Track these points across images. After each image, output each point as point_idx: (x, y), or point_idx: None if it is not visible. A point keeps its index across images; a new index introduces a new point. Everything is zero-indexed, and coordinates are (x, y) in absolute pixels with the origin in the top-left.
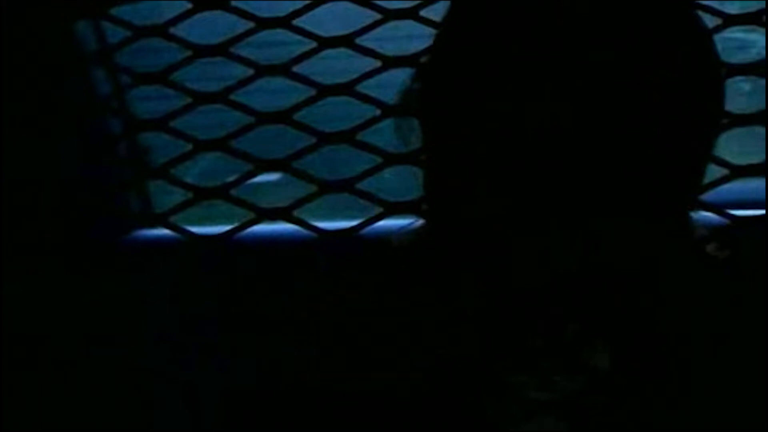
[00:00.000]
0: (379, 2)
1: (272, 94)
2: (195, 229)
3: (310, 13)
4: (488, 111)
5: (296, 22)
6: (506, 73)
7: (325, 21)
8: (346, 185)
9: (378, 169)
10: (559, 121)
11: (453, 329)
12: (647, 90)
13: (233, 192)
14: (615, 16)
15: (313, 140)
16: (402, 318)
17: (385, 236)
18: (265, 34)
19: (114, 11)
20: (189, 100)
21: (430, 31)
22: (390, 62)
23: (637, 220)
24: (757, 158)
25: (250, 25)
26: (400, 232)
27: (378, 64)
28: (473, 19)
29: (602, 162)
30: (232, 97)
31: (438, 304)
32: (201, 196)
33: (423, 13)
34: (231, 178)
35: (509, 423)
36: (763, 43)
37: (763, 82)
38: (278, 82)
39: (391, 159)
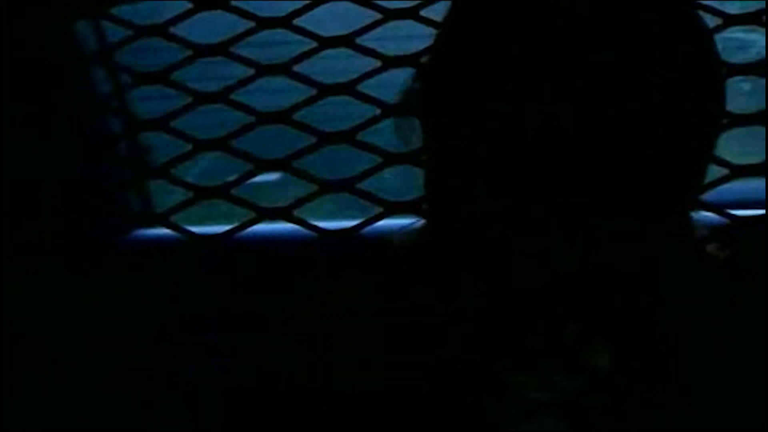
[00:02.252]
0: (379, 2)
1: (272, 93)
2: (195, 229)
3: (310, 13)
4: (488, 111)
5: (296, 22)
6: (506, 73)
7: (325, 21)
8: (346, 185)
9: (378, 169)
10: (559, 121)
11: (453, 329)
12: (647, 90)
13: (233, 192)
14: (615, 16)
15: (313, 140)
16: (402, 318)
17: (385, 236)
18: (265, 34)
19: (114, 11)
20: (189, 99)
21: (430, 31)
22: (390, 62)
23: (637, 221)
24: (757, 158)
25: (250, 24)
26: (401, 232)
27: (378, 64)
28: (473, 19)
29: (602, 162)
30: (233, 96)
31: (438, 304)
32: (201, 195)
33: (423, 13)
34: (231, 178)
35: (509, 423)
36: (763, 43)
37: (763, 82)
38: (278, 81)
39: (391, 159)
